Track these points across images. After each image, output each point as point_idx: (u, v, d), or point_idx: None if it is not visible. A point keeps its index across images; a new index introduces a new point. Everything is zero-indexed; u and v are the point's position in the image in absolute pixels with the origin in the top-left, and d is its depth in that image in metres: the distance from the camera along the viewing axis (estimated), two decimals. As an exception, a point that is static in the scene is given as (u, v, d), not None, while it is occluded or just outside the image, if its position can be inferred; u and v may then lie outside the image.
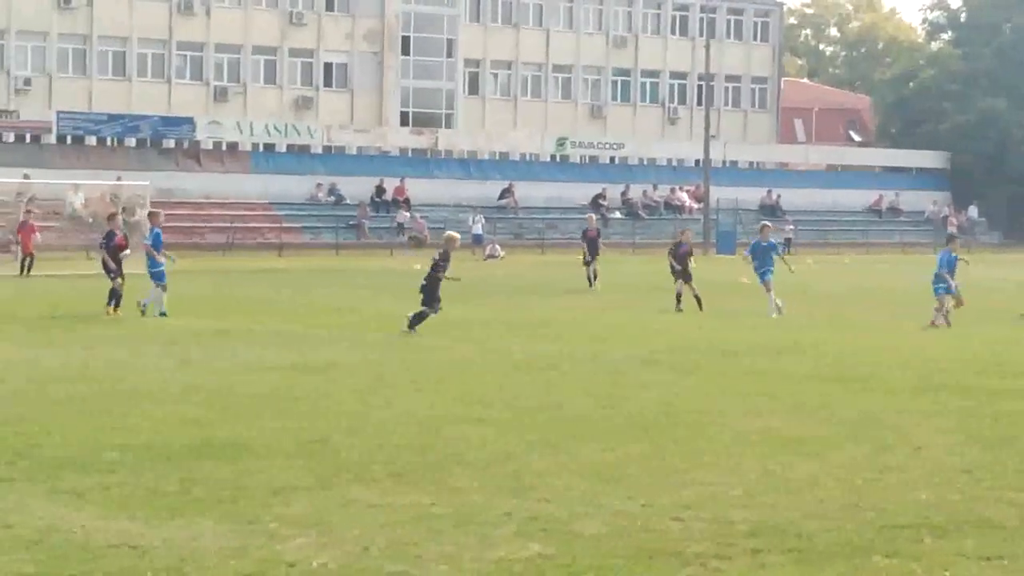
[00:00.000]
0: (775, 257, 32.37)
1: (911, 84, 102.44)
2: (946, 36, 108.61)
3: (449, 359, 21.18)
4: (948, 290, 27.73)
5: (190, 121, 76.08)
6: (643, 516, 10.41)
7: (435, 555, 9.33)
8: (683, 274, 33.15)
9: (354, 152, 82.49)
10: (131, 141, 75.23)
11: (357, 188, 75.66)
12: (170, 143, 75.36)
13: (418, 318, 25.31)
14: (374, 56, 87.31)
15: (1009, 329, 26.83)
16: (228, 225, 66.75)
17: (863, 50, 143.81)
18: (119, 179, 60.31)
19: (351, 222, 72.79)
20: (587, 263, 41.22)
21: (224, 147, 78.01)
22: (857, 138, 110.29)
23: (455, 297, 35.11)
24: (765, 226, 34.48)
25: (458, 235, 27.94)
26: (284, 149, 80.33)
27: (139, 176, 60.46)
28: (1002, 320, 29.50)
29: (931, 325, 27.42)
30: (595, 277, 40.75)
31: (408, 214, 74.14)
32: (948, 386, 17.92)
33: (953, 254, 28.61)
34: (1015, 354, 22.25)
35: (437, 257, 25.99)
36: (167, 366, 19.87)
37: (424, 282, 25.66)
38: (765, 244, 32.66)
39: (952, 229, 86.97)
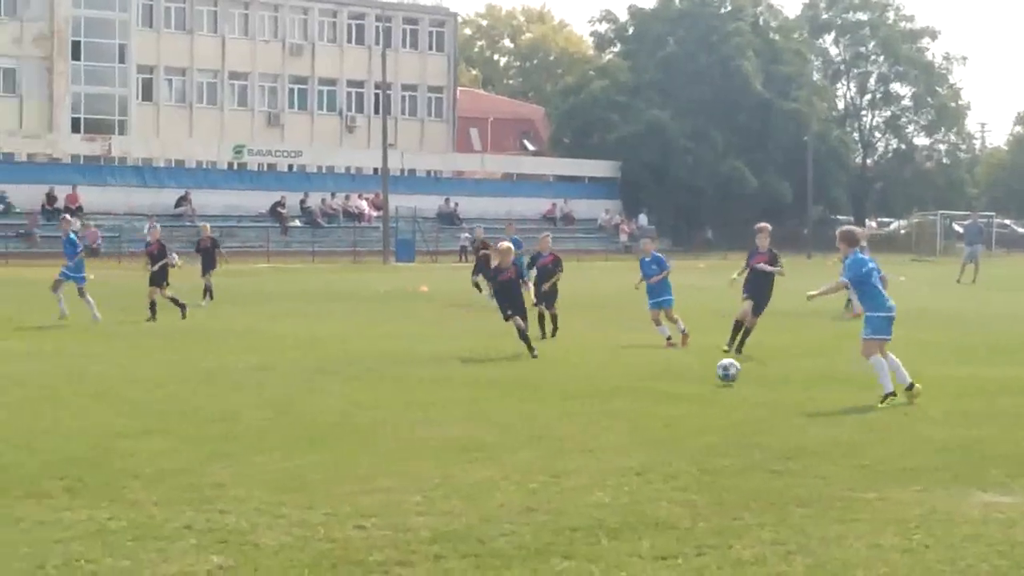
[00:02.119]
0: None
1: (582, 95, 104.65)
2: (615, 49, 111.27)
3: (123, 371, 20.76)
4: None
5: None
6: (325, 525, 10.40)
7: (112, 570, 9.16)
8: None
9: (23, 159, 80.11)
10: None
11: (27, 196, 73.58)
12: None
13: (523, 337, 23.40)
14: (43, 61, 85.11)
15: (692, 334, 27.50)
16: None
17: (535, 61, 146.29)
18: None
19: (21, 231, 70.70)
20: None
21: None
22: (531, 147, 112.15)
23: (133, 307, 34.52)
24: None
25: (505, 244, 24.76)
26: (-50, 156, 77.65)
27: None
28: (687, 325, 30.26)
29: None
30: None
31: (78, 222, 72.32)
32: (620, 390, 18.35)
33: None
34: (688, 359, 22.92)
35: (494, 274, 24.55)
36: None
37: (503, 299, 23.84)
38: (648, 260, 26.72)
39: (624, 236, 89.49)
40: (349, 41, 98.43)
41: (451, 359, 22.77)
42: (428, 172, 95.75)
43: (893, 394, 16.95)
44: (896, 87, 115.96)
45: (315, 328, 29.21)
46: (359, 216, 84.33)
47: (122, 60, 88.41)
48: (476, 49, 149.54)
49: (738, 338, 23.59)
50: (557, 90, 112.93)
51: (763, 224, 24.94)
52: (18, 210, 72.87)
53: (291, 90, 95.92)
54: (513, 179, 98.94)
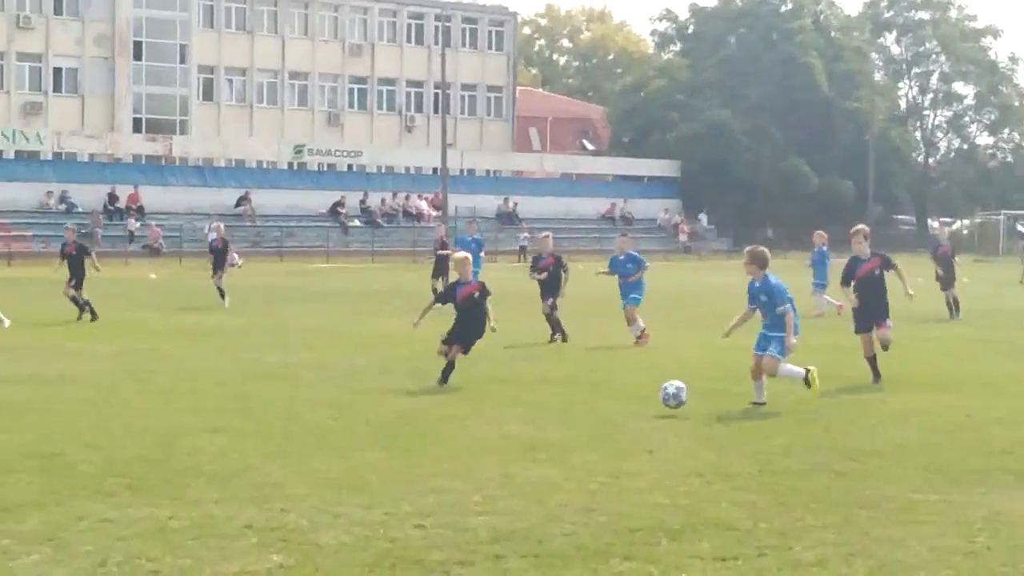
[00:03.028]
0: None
1: (641, 94, 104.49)
2: (675, 48, 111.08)
3: (184, 369, 20.87)
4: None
5: (-86, 127, 73.91)
6: (384, 524, 10.40)
7: (173, 569, 9.19)
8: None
9: (85, 159, 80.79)
10: None
11: (89, 196, 74.21)
12: None
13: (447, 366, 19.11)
14: (105, 61, 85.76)
15: (743, 336, 27.31)
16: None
17: (595, 61, 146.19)
18: None
19: (83, 231, 71.13)
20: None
21: (-51, 154, 75.70)
22: (590, 147, 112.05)
23: (193, 307, 34.73)
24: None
25: (462, 254, 20.93)
26: (12, 156, 78.24)
27: None
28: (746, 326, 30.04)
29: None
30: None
31: (136, 222, 72.99)
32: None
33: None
34: (745, 359, 22.71)
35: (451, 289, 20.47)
36: None
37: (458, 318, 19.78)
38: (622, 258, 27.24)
39: (683, 236, 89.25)
40: (409, 41, 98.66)
41: (510, 358, 22.76)
42: (487, 172, 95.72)
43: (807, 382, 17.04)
44: (958, 86, 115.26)
45: (375, 326, 29.25)
46: (418, 216, 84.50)
47: (183, 60, 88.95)
48: (536, 48, 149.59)
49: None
50: (616, 89, 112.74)
51: (860, 226, 20.26)
52: (80, 210, 73.41)
53: (351, 90, 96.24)
54: (572, 179, 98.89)
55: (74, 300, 31.14)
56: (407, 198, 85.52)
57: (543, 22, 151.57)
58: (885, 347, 19.49)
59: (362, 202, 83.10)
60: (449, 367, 18.98)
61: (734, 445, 14.04)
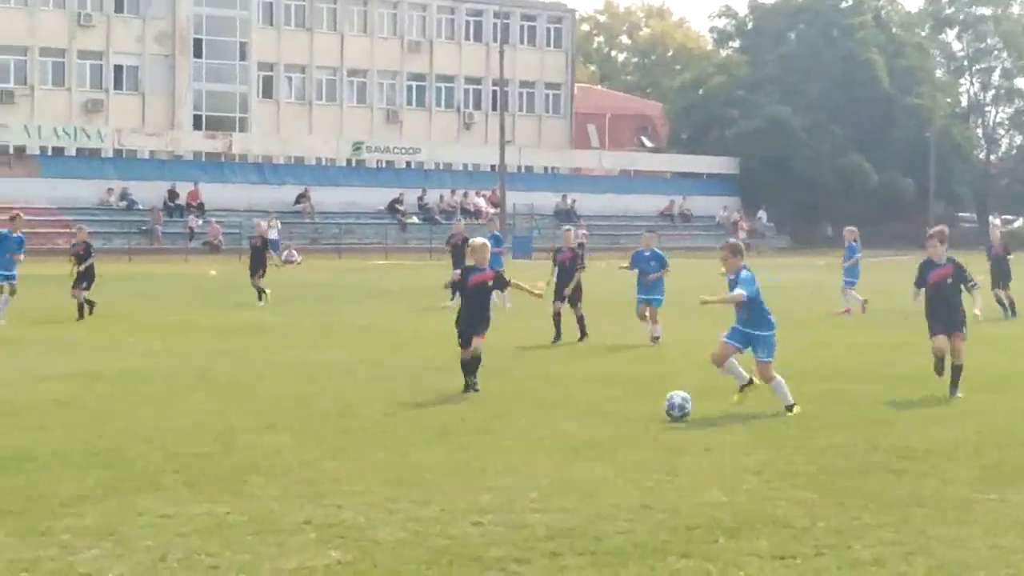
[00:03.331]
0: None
1: (700, 91, 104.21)
2: (734, 44, 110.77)
3: (242, 367, 20.96)
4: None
5: (-26, 125, 74.49)
6: (441, 521, 10.43)
7: (232, 564, 9.24)
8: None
9: (146, 156, 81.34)
10: (-87, 144, 73.41)
11: (149, 193, 74.68)
12: (-46, 146, 73.61)
13: (467, 369, 18.36)
14: (166, 59, 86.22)
15: (811, 333, 27.22)
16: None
17: (654, 57, 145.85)
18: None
19: (144, 227, 71.73)
20: None
21: (11, 151, 76.09)
22: (649, 144, 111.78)
23: (250, 304, 34.87)
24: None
25: (480, 240, 19.54)
26: (73, 153, 78.83)
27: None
28: (805, 325, 29.97)
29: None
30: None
31: (196, 219, 73.41)
32: (733, 388, 18.15)
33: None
34: (810, 359, 22.60)
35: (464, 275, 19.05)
36: (-48, 375, 19.34)
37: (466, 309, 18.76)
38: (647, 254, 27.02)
39: (742, 233, 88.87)
40: (467, 38, 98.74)
41: (565, 356, 22.74)
42: (545, 169, 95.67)
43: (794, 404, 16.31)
44: (1020, 82, 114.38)
45: (428, 324, 29.27)
46: (476, 213, 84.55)
47: (243, 58, 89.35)
48: (594, 45, 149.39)
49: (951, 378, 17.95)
50: (675, 86, 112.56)
51: (939, 228, 18.87)
52: (140, 207, 73.90)
53: (409, 87, 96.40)
54: (631, 176, 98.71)
55: (81, 304, 30.90)
56: (465, 195, 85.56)
57: (602, 19, 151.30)
58: (956, 362, 17.90)
59: (420, 199, 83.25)
60: (468, 368, 18.33)
61: (790, 443, 13.98)
